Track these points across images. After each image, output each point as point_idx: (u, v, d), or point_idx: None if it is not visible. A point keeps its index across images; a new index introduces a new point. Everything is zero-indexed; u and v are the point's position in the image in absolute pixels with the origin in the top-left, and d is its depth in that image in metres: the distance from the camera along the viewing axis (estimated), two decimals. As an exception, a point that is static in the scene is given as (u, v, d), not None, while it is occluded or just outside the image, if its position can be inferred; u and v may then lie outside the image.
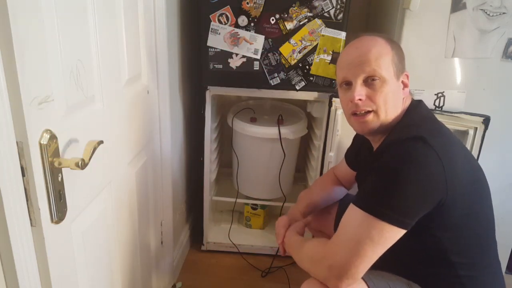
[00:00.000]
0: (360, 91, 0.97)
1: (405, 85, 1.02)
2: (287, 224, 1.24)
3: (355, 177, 1.27)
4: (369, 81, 0.96)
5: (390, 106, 0.97)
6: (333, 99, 1.60)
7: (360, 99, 0.97)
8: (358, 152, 1.25)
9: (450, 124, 1.42)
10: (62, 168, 0.75)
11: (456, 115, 1.49)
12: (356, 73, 0.97)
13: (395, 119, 1.00)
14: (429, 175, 0.87)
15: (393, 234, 0.88)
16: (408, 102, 1.03)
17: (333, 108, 1.61)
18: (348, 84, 1.00)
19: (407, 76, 1.02)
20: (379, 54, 0.96)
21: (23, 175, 0.67)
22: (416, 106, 1.03)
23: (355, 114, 1.00)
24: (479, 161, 1.37)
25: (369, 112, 0.98)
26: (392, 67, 0.97)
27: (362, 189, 0.95)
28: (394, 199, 0.87)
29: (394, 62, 0.97)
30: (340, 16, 1.52)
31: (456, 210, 0.92)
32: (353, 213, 0.92)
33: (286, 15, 1.52)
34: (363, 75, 0.97)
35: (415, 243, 0.94)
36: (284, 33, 1.55)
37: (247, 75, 1.60)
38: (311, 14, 1.52)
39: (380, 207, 0.87)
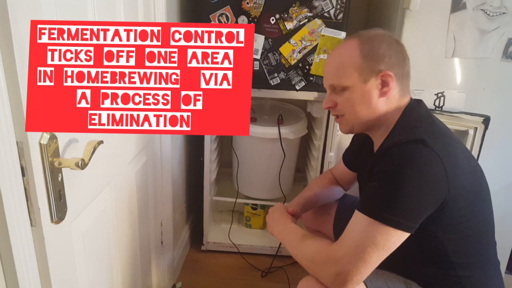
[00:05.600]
0: (327, 100, 1.06)
1: (384, 84, 0.97)
2: (283, 210, 1.23)
3: (357, 177, 1.27)
4: (336, 89, 1.03)
5: (359, 109, 1.00)
6: (333, 99, 1.60)
7: (329, 107, 1.05)
8: (359, 152, 1.24)
9: (450, 124, 1.42)
10: (62, 168, 0.75)
11: (456, 115, 1.49)
12: (325, 83, 1.07)
13: (388, 118, 1.00)
14: (431, 178, 0.87)
15: (398, 238, 0.88)
16: (405, 101, 1.02)
17: (333, 108, 1.61)
18: None
19: (387, 75, 0.96)
20: (340, 63, 1.01)
21: (23, 175, 0.67)
22: (415, 106, 1.02)
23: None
24: (479, 161, 1.37)
25: (340, 115, 1.05)
26: (355, 73, 0.98)
27: (365, 195, 0.95)
28: (398, 204, 0.87)
29: (358, 67, 0.97)
30: (340, 16, 1.52)
31: (457, 211, 0.92)
32: (358, 219, 0.92)
33: (286, 15, 1.52)
34: (328, 85, 1.05)
35: (416, 244, 0.93)
36: (284, 33, 1.55)
37: (247, 75, 1.60)
38: (311, 14, 1.52)
39: (384, 212, 0.87)
